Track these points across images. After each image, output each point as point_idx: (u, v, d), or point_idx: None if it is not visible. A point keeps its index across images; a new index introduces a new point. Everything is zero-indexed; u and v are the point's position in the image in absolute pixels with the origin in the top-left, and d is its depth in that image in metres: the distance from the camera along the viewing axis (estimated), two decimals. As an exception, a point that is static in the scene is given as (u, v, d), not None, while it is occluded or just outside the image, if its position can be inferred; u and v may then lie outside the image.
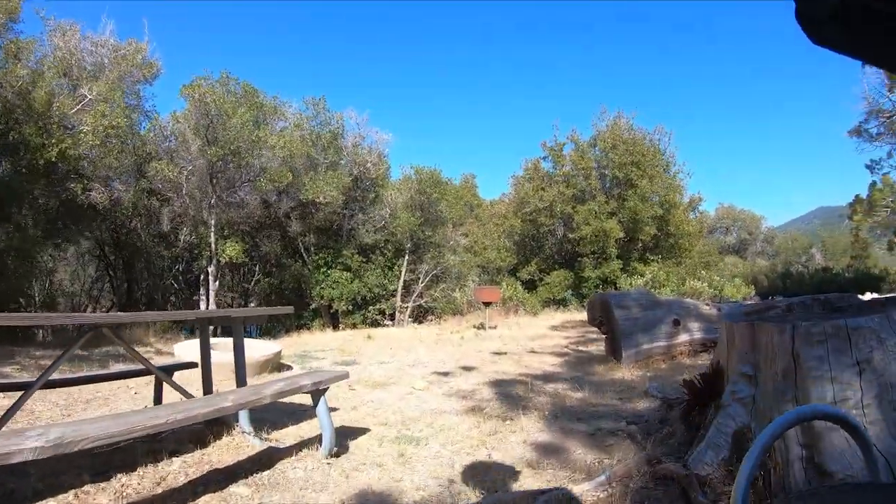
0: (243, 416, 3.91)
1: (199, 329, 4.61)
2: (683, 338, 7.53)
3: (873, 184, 18.90)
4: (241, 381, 4.18)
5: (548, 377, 6.46)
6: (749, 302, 10.35)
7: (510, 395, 5.37)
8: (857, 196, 19.54)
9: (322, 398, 3.51)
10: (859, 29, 0.64)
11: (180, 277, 20.58)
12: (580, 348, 9.89)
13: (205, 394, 4.18)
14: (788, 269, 41.19)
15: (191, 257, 19.15)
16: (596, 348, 9.64)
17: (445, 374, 6.99)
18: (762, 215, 54.82)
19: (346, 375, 3.88)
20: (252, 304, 23.99)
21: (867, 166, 19.15)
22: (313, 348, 11.37)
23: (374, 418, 4.59)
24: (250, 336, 17.05)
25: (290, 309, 4.78)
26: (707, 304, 8.81)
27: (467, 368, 7.44)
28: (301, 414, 4.65)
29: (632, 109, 25.00)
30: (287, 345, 14.28)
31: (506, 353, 9.08)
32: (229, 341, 8.74)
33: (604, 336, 7.60)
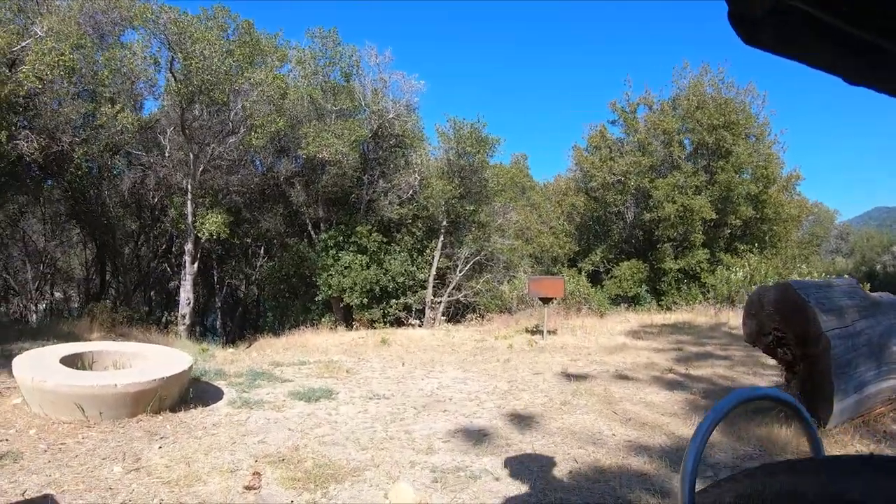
0: None
1: None
2: (930, 368, 4.17)
3: None
4: None
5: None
6: None
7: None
8: None
9: None
10: (793, 30, 0.61)
11: (172, 259, 17.13)
12: (692, 373, 6.44)
13: None
14: (873, 269, 36.54)
15: (179, 234, 15.60)
16: (714, 373, 6.44)
17: (477, 436, 3.99)
18: (835, 210, 49.43)
19: None
20: (255, 293, 20.37)
21: None
22: (296, 358, 8.01)
23: None
24: (213, 328, 13.14)
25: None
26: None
27: (519, 420, 4.41)
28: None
29: (719, 64, 20.14)
30: (278, 347, 10.69)
31: (582, 380, 5.99)
32: (123, 348, 4.92)
33: (755, 351, 4.16)
